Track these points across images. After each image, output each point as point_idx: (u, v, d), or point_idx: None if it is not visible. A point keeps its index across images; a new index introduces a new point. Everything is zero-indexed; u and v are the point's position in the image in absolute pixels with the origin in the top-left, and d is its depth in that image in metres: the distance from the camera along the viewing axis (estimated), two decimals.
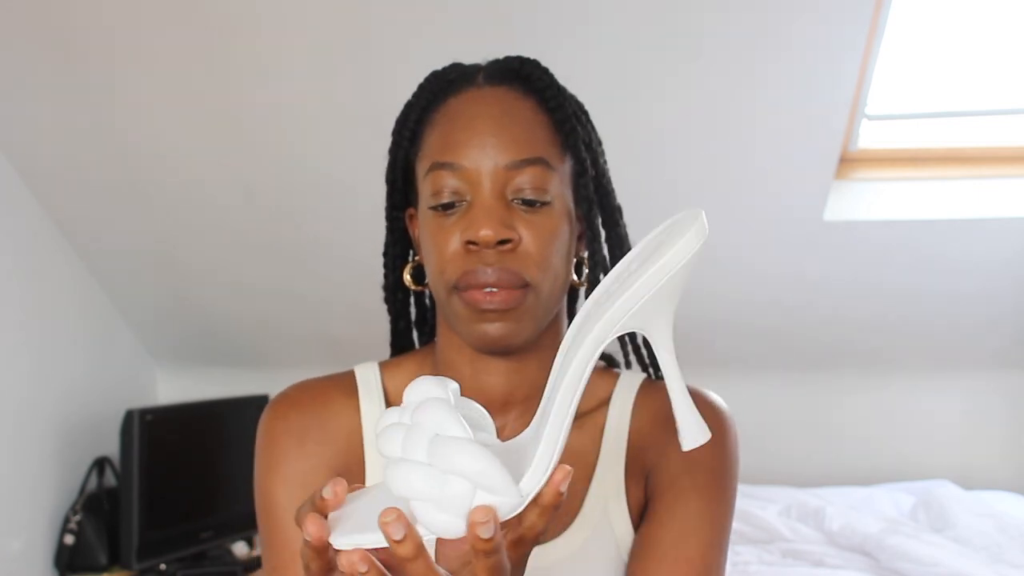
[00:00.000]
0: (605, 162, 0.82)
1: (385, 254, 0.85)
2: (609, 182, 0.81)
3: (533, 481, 0.54)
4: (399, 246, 0.84)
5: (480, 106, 0.74)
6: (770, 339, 2.56)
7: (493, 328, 0.73)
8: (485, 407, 0.79)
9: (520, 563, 0.58)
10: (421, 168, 0.77)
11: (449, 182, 0.73)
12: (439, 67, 0.80)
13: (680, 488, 0.77)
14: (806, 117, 2.07)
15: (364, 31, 1.92)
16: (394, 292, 0.85)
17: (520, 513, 0.55)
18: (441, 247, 0.73)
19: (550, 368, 0.80)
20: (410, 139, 0.79)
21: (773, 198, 2.22)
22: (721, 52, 1.94)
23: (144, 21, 1.93)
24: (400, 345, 0.88)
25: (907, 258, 2.41)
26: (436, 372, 0.82)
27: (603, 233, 0.81)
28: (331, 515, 0.55)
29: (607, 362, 0.87)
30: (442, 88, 0.77)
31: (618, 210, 0.81)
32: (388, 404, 0.83)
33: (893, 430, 2.76)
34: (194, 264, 2.56)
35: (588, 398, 0.80)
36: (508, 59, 0.79)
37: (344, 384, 0.83)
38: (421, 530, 0.53)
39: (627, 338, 0.83)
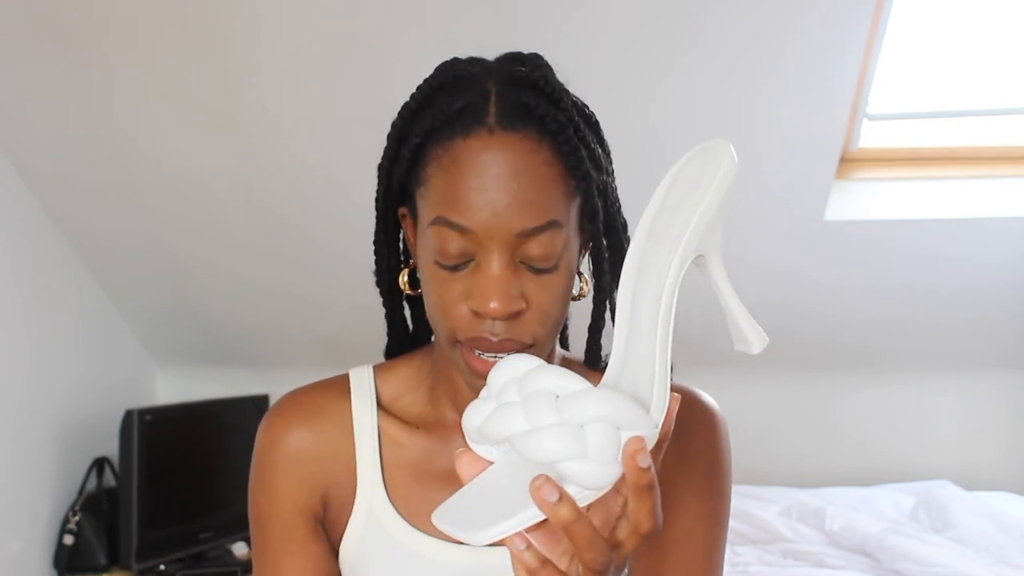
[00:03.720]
0: (614, 186, 0.78)
1: (375, 242, 0.82)
2: (615, 203, 0.78)
3: (660, 407, 0.56)
4: (391, 246, 0.82)
5: (492, 161, 0.68)
6: (770, 339, 2.56)
7: None
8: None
9: None
10: (425, 207, 0.72)
11: (456, 242, 0.69)
12: (438, 65, 0.77)
13: (677, 488, 0.77)
14: (806, 117, 2.07)
15: (363, 31, 1.92)
16: (384, 283, 0.84)
17: None
18: (445, 302, 0.71)
19: None
20: (410, 160, 0.74)
21: (773, 198, 2.22)
22: (721, 52, 1.94)
23: (143, 22, 1.93)
24: (397, 336, 0.87)
25: (907, 258, 2.41)
26: (433, 378, 0.82)
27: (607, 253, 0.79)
28: (447, 514, 0.54)
29: (604, 361, 0.86)
30: (448, 119, 0.71)
31: (622, 227, 0.78)
32: (381, 407, 0.83)
33: (893, 430, 2.76)
34: (194, 264, 2.56)
35: None
36: (520, 91, 0.71)
37: (337, 388, 0.84)
38: (572, 489, 0.52)
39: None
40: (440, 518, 0.54)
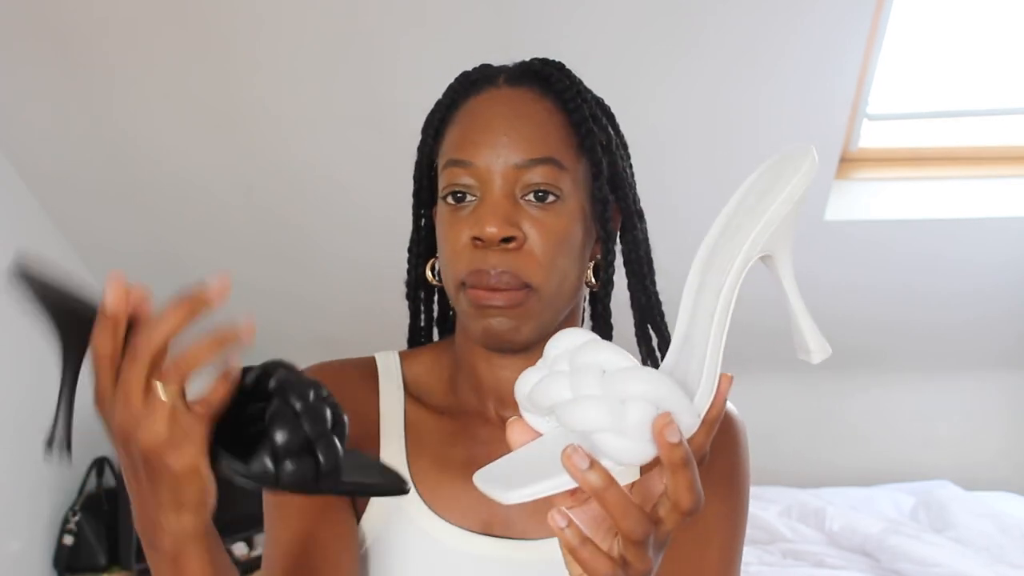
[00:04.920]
0: (629, 165, 0.82)
1: (409, 250, 0.86)
2: (629, 185, 0.81)
3: (704, 398, 0.56)
4: (423, 244, 0.85)
5: (497, 106, 0.76)
6: (770, 339, 2.55)
7: (496, 323, 0.74)
8: (502, 402, 0.80)
9: None
10: (440, 165, 0.78)
11: (462, 179, 0.75)
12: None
13: None
14: (806, 117, 2.07)
15: (363, 31, 1.92)
16: (415, 289, 0.86)
17: None
18: (451, 241, 0.75)
19: None
20: (434, 137, 0.80)
21: None
22: (721, 52, 1.94)
23: (143, 22, 1.93)
24: (417, 343, 0.89)
25: (907, 258, 2.41)
26: (454, 365, 0.83)
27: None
28: (487, 474, 0.55)
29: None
30: (465, 88, 0.79)
31: (637, 214, 0.82)
32: (407, 391, 0.83)
33: (893, 430, 2.76)
34: (194, 264, 2.56)
35: None
36: (531, 61, 0.81)
37: (364, 367, 0.85)
38: (606, 463, 0.53)
39: (642, 337, 0.83)
40: (479, 477, 0.56)
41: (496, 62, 0.82)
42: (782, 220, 0.62)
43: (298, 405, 0.55)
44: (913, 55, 2.29)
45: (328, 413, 0.55)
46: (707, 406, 0.56)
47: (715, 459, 0.79)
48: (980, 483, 2.62)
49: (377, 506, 0.79)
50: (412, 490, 0.79)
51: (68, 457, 0.55)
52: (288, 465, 0.53)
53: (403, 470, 0.80)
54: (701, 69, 1.98)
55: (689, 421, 0.54)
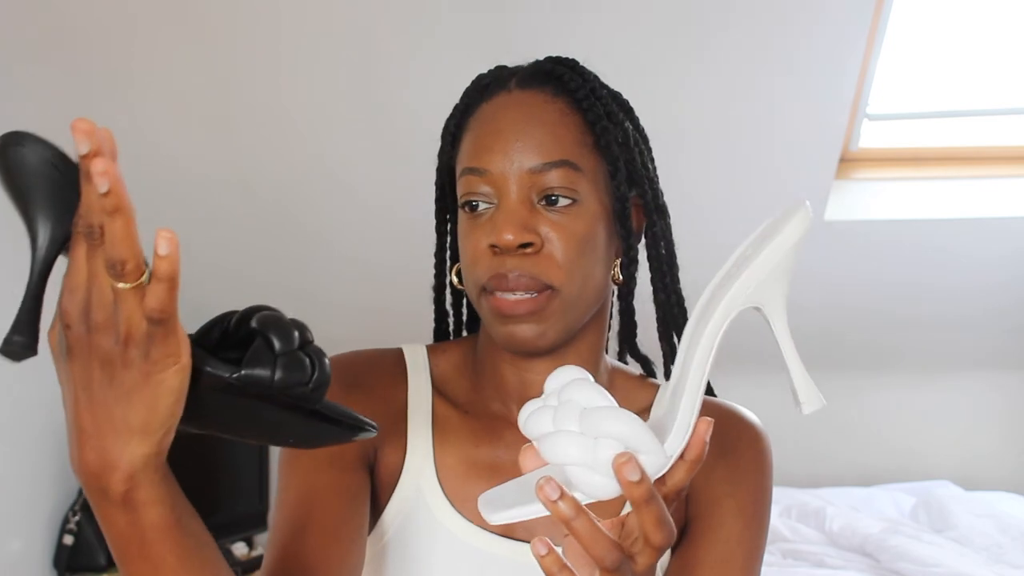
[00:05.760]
0: (650, 160, 0.82)
1: (436, 255, 0.87)
2: (649, 180, 0.80)
3: (676, 442, 0.59)
4: (448, 250, 0.86)
5: (509, 111, 0.76)
6: (770, 338, 2.57)
7: (520, 330, 0.74)
8: (526, 402, 0.80)
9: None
10: (458, 172, 0.78)
11: (478, 187, 0.75)
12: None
13: (724, 509, 0.78)
14: (806, 117, 2.07)
15: (362, 29, 1.92)
16: (441, 293, 0.87)
17: (667, 472, 0.58)
18: (470, 249, 0.75)
19: (590, 364, 0.81)
20: (451, 144, 0.80)
21: (774, 198, 2.22)
22: (722, 52, 1.94)
23: (143, 22, 1.93)
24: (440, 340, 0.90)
25: (907, 258, 2.41)
26: (477, 368, 0.84)
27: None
28: (489, 494, 0.60)
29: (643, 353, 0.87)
30: (479, 93, 0.79)
31: (658, 210, 0.81)
32: (434, 384, 0.84)
33: (893, 430, 2.76)
34: (193, 262, 2.55)
35: (625, 407, 0.83)
36: (544, 61, 0.80)
37: (393, 357, 0.85)
38: (577, 495, 0.56)
39: (664, 335, 0.83)
40: (482, 497, 0.60)
41: (497, 63, 0.82)
42: (769, 272, 0.64)
43: (288, 319, 0.55)
44: (913, 55, 2.29)
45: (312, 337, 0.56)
46: (679, 448, 0.58)
47: (745, 478, 0.80)
48: (980, 483, 2.62)
49: (399, 499, 0.79)
50: (436, 486, 0.79)
51: (32, 352, 0.53)
52: (283, 367, 0.54)
53: (429, 464, 0.80)
54: (700, 70, 1.98)
55: (658, 462, 0.57)
